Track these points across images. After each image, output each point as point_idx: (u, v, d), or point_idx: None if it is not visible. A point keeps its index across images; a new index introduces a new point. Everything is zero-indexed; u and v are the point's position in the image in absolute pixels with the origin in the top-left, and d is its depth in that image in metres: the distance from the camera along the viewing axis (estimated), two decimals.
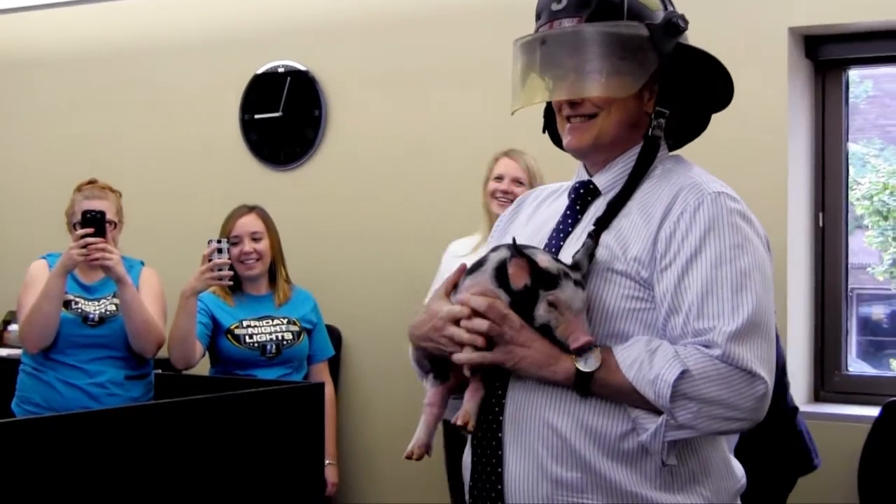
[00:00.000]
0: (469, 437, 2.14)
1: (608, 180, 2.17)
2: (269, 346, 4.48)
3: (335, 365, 5.08)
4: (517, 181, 4.29)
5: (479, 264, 2.08)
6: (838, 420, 4.28)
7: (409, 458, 2.12)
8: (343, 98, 5.36)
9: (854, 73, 4.68)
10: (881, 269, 9.76)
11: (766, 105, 4.31)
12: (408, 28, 5.20)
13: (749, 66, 4.32)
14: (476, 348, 2.02)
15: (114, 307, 4.26)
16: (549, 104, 2.27)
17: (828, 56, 4.51)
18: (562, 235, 2.16)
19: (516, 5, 4.61)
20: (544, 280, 1.98)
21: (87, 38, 6.06)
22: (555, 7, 2.12)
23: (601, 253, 2.05)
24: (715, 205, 2.02)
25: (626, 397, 1.97)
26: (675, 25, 2.10)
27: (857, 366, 4.69)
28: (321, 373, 4.71)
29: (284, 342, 4.52)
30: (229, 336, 4.48)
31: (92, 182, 4.41)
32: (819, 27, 4.40)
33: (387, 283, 5.15)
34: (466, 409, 2.06)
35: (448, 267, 4.35)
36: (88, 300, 4.28)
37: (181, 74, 5.77)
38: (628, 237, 2.06)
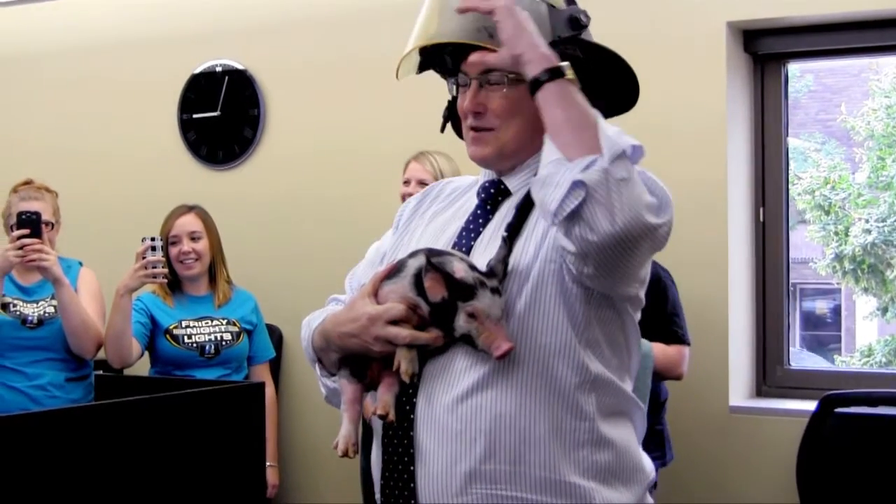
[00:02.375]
0: (380, 436, 2.13)
1: (519, 182, 2.15)
2: (207, 347, 4.44)
3: (276, 365, 5.05)
4: (422, 183, 4.30)
5: (397, 269, 2.07)
6: (779, 415, 4.30)
7: (343, 455, 2.11)
8: (281, 97, 5.33)
9: (795, 68, 4.69)
10: (823, 263, 9.87)
11: (705, 100, 4.31)
12: (345, 26, 5.17)
13: (688, 60, 4.34)
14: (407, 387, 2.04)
15: (52, 309, 4.24)
16: (454, 109, 2.23)
17: (766, 50, 4.51)
18: (472, 235, 2.15)
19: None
20: (461, 291, 1.97)
21: (21, 35, 6.00)
22: None
23: (524, 260, 2.03)
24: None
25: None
26: (576, 19, 2.08)
27: (802, 359, 4.69)
28: (262, 374, 4.66)
29: (224, 343, 4.48)
30: (168, 336, 4.45)
31: (28, 183, 4.39)
32: (757, 21, 4.39)
33: (326, 281, 5.08)
34: (385, 399, 2.05)
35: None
36: (27, 302, 4.26)
37: (119, 73, 5.71)
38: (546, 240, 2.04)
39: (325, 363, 2.21)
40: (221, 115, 5.43)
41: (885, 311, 9.59)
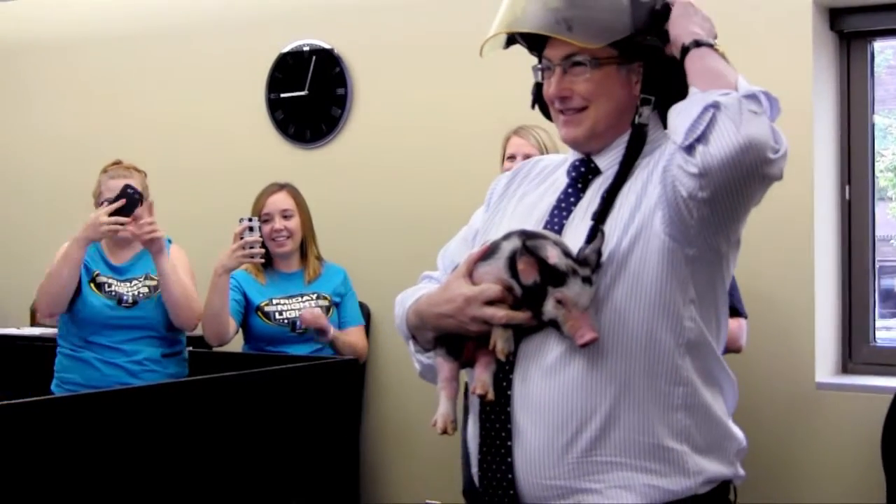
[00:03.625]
0: (476, 412, 2.20)
1: (609, 161, 2.22)
2: (298, 323, 4.52)
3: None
4: (528, 157, 4.30)
5: (492, 251, 2.12)
6: (866, 391, 4.31)
7: (443, 432, 2.18)
8: (368, 76, 5.39)
9: (878, 46, 4.68)
10: None
11: (791, 78, 4.30)
12: (429, 5, 5.22)
13: (774, 39, 4.34)
14: (503, 365, 2.11)
15: (146, 289, 4.33)
16: (540, 92, 2.30)
17: (852, 28, 4.52)
18: (564, 214, 2.20)
19: None
20: (553, 277, 2.02)
21: (112, 20, 6.12)
22: None
23: (616, 233, 2.09)
24: None
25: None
26: (657, 11, 2.14)
27: (882, 336, 4.71)
28: (355, 334, 4.73)
29: None
30: (259, 313, 4.54)
31: (117, 163, 4.46)
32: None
33: (415, 258, 5.15)
34: (483, 379, 2.11)
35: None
36: (120, 281, 4.34)
37: (208, 55, 5.81)
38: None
39: (420, 341, 2.28)
40: (309, 95, 5.50)
41: None
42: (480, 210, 2.48)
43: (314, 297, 4.61)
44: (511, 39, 2.30)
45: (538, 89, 2.30)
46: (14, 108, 6.47)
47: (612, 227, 2.11)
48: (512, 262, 2.07)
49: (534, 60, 2.29)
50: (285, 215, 4.60)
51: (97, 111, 6.15)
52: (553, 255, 2.03)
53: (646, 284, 2.07)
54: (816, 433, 4.32)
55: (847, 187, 4.55)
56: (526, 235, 2.07)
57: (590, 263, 2.04)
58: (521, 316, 2.07)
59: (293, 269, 4.67)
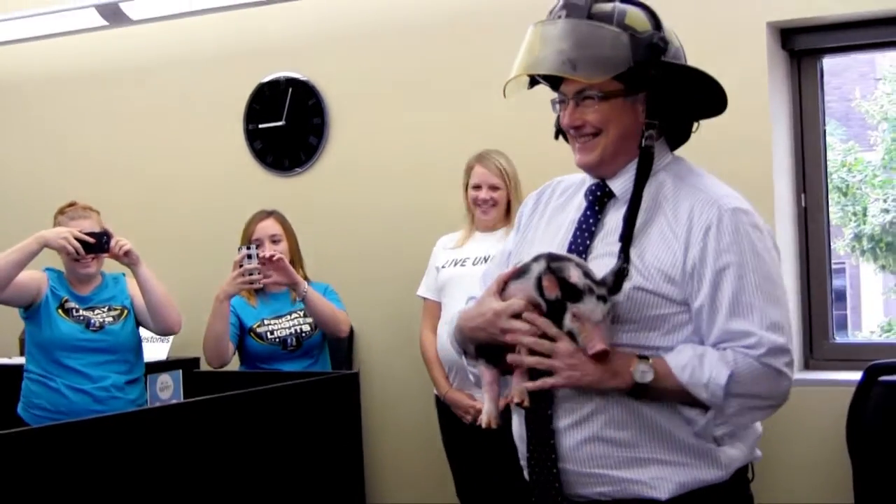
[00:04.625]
0: (521, 415, 2.48)
1: (621, 186, 2.49)
2: (289, 340, 4.70)
3: (348, 356, 5.36)
4: (494, 187, 4.61)
5: (523, 271, 2.40)
6: (828, 385, 4.52)
7: (487, 427, 2.47)
8: (343, 106, 5.57)
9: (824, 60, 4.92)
10: (843, 243, 10.12)
11: (749, 97, 4.49)
12: (403, 37, 5.41)
13: (731, 58, 4.53)
14: (537, 373, 2.36)
15: (111, 318, 4.60)
16: (559, 126, 2.57)
17: (802, 46, 4.74)
18: (586, 235, 2.48)
19: (509, 14, 4.92)
20: (571, 293, 2.30)
21: (94, 55, 6.24)
22: (555, 16, 2.43)
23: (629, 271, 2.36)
24: (733, 220, 2.34)
25: (677, 397, 2.32)
26: (655, 45, 2.38)
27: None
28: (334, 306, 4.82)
29: (303, 333, 4.74)
30: (252, 334, 4.71)
31: (72, 204, 4.71)
32: (794, 20, 4.64)
33: (391, 280, 5.35)
34: (521, 388, 2.40)
35: (436, 259, 4.77)
36: (85, 309, 4.61)
37: (188, 87, 5.96)
38: (654, 254, 2.38)
39: (467, 354, 2.55)
40: (286, 125, 5.67)
41: None
42: (512, 233, 2.75)
43: (301, 313, 4.77)
44: (533, 80, 2.57)
45: (559, 121, 2.57)
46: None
47: (633, 253, 2.39)
48: (539, 281, 2.34)
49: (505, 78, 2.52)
50: (274, 240, 4.77)
51: (83, 144, 6.27)
52: (574, 276, 2.30)
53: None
54: (785, 428, 4.45)
55: (803, 195, 4.80)
56: (552, 258, 2.35)
57: (607, 283, 2.31)
58: (540, 321, 2.34)
59: (282, 289, 4.80)
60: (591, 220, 2.50)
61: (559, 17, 2.40)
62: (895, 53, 9.35)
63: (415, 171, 5.38)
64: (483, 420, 2.48)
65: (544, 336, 2.33)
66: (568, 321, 2.31)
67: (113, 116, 6.19)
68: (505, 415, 2.49)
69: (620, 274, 2.32)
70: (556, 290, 2.31)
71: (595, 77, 2.38)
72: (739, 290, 2.30)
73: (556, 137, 2.63)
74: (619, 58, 2.36)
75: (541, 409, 2.42)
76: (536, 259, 2.39)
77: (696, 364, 2.29)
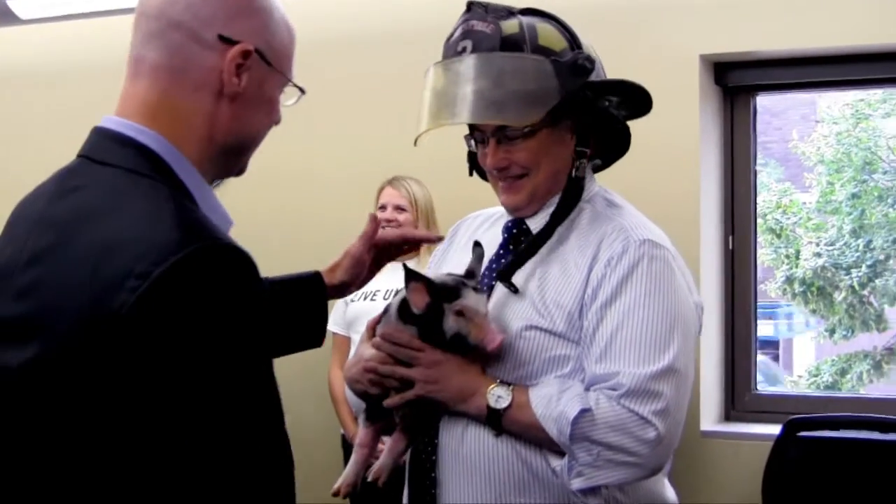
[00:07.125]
0: (406, 477, 2.26)
1: (540, 223, 2.22)
2: None
3: None
4: (399, 208, 4.48)
5: (385, 311, 2.18)
6: (749, 439, 4.37)
7: (335, 494, 2.23)
8: None
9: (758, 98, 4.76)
10: (774, 286, 10.01)
11: (679, 131, 4.38)
12: (308, 52, 5.14)
13: (663, 93, 4.31)
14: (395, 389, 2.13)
15: None
16: (475, 158, 2.31)
17: (736, 82, 4.60)
18: (494, 275, 2.22)
19: (405, 32, 4.72)
20: (444, 294, 2.05)
21: (91, 50, 5.89)
22: (459, 48, 2.14)
23: (524, 308, 2.13)
24: (637, 252, 2.08)
25: (536, 435, 2.05)
26: (581, 67, 2.13)
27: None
28: None
29: None
30: None
31: None
32: (728, 55, 4.49)
33: None
34: (381, 464, 2.17)
35: None
36: None
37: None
38: (555, 288, 2.13)
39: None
40: None
41: (832, 332, 9.75)
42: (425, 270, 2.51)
43: None
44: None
45: (472, 157, 2.31)
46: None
47: (532, 285, 2.15)
48: (401, 309, 2.11)
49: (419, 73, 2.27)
50: None
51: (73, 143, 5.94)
52: (437, 277, 2.09)
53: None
54: (702, 481, 4.35)
55: (731, 237, 4.63)
56: (407, 274, 2.08)
57: (476, 275, 2.10)
58: (400, 336, 2.13)
59: None
60: (502, 260, 2.24)
61: (463, 50, 2.12)
62: (834, 95, 9.23)
63: (308, 196, 5.19)
64: (336, 484, 2.26)
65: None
66: (451, 323, 2.05)
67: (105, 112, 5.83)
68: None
69: (481, 261, 2.14)
70: (425, 296, 2.05)
71: (527, 119, 2.11)
72: (620, 328, 2.03)
73: (471, 174, 2.38)
74: (547, 90, 2.09)
75: (425, 467, 2.19)
76: (396, 294, 2.19)
77: (555, 396, 2.03)
